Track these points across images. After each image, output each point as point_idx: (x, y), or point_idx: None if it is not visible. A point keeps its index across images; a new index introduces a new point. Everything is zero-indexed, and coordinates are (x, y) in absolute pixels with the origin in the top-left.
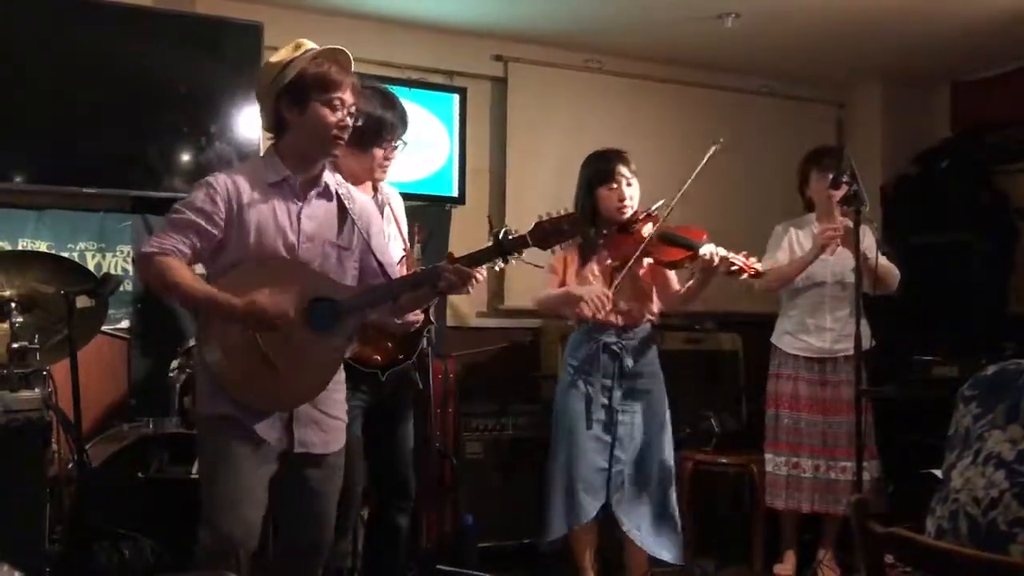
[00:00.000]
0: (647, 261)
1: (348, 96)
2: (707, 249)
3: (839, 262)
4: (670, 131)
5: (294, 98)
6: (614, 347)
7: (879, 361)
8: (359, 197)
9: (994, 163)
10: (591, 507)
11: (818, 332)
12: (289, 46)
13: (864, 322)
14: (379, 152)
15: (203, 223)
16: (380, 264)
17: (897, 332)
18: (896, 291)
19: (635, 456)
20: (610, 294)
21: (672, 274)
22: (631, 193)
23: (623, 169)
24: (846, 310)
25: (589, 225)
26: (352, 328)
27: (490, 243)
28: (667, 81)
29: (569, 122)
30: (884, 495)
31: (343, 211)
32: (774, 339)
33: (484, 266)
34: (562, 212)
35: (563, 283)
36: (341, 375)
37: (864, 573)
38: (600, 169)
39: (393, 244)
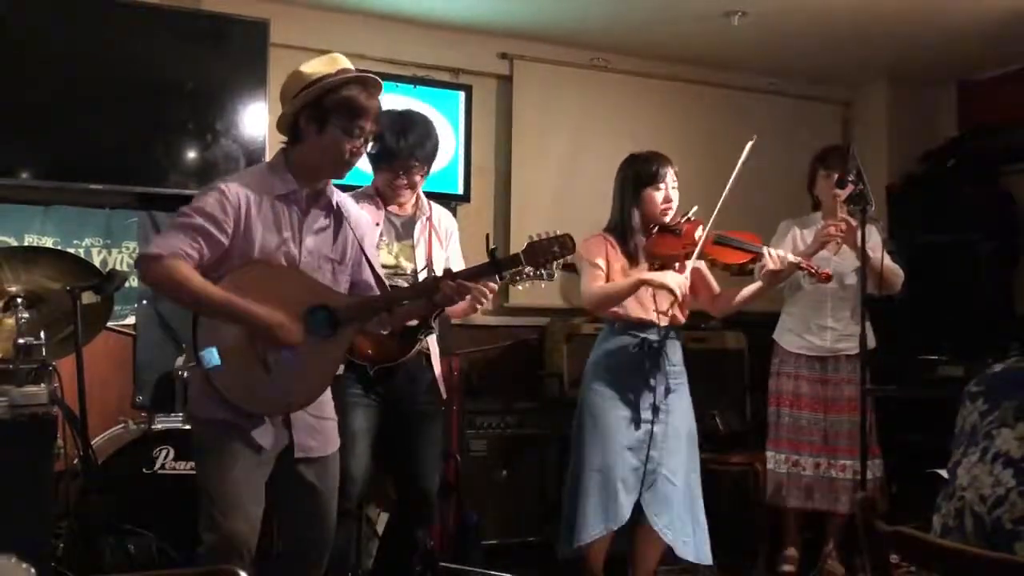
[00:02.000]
0: (693, 264)
1: (368, 124)
2: (771, 251)
3: (842, 262)
4: (676, 130)
5: (315, 116)
6: (656, 345)
7: (882, 360)
8: (353, 208)
9: (1000, 163)
10: (629, 506)
11: (820, 331)
12: (324, 60)
13: (867, 322)
14: (387, 174)
15: (213, 230)
16: (376, 276)
17: (902, 331)
18: (900, 292)
19: (669, 454)
20: (688, 281)
21: (712, 279)
22: (675, 196)
23: (671, 172)
24: (848, 310)
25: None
26: (348, 337)
27: (486, 260)
28: (673, 79)
29: (575, 120)
30: (886, 494)
31: (339, 224)
32: (776, 336)
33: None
34: (555, 233)
35: (610, 279)
36: None
37: (868, 572)
38: (649, 170)
39: (436, 253)
